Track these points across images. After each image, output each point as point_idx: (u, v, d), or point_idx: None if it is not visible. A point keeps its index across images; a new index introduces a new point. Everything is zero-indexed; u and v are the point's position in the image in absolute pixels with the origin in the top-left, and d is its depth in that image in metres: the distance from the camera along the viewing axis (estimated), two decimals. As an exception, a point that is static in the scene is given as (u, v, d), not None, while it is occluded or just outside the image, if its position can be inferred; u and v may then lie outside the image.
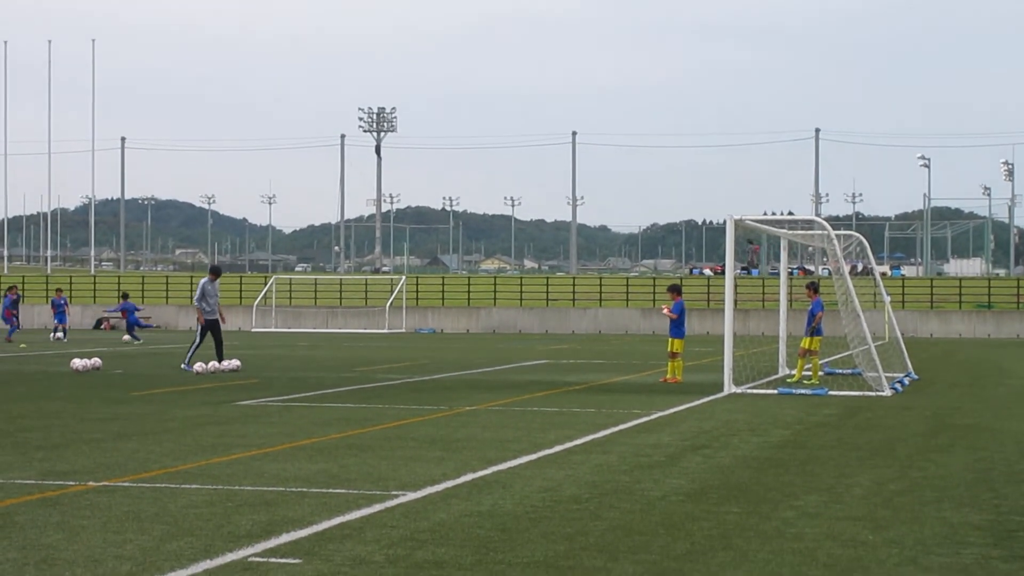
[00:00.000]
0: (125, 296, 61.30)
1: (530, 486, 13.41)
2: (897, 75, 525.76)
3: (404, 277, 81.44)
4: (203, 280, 33.61)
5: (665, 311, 29.84)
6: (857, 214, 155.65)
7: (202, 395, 25.06)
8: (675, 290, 30.33)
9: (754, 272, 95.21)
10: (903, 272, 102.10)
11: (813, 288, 30.41)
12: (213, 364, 31.83)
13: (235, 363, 32.62)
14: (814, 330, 29.75)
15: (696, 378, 30.82)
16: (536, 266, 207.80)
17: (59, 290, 59.50)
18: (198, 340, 33.11)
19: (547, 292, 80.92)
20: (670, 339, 29.61)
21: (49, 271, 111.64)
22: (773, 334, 41.69)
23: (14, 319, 54.86)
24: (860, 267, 42.88)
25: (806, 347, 29.92)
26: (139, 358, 39.47)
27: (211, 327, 33.09)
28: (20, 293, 64.42)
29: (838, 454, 16.46)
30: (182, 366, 32.56)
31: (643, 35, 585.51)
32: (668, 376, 29.38)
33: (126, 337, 54.57)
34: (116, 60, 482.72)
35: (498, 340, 59.91)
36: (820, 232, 31.25)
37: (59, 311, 56.00)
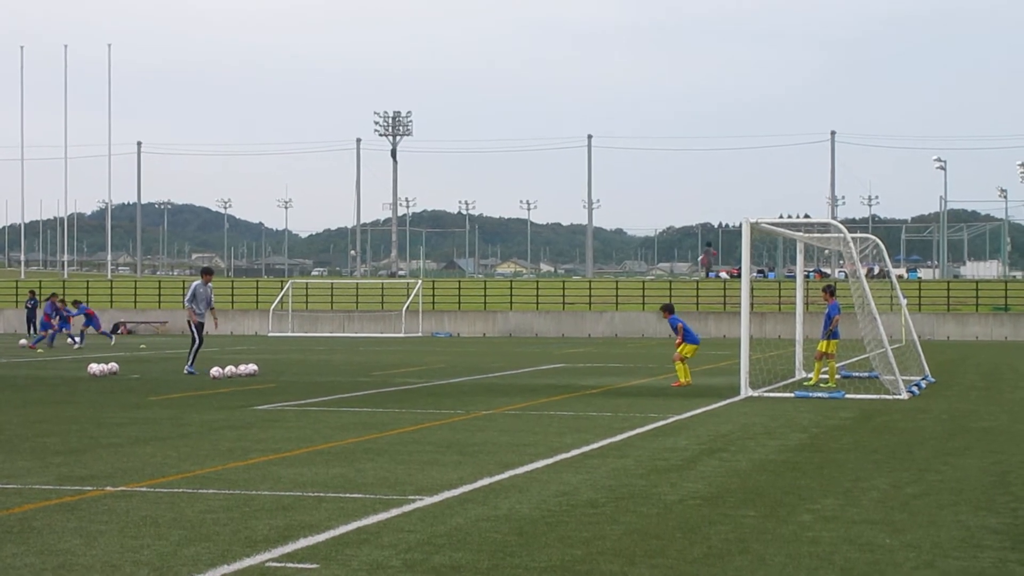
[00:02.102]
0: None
1: (547, 490, 13.42)
2: (913, 78, 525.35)
3: (420, 281, 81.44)
4: (195, 283, 33.67)
5: (677, 352, 29.90)
6: (873, 217, 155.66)
7: (219, 400, 25.10)
8: (666, 309, 30.73)
9: (711, 275, 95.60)
10: (919, 275, 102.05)
11: (829, 291, 30.39)
12: (230, 368, 31.89)
13: (252, 367, 32.69)
14: (831, 333, 29.73)
15: (713, 381, 30.81)
16: (552, 269, 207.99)
17: (53, 294, 59.10)
18: (197, 341, 33.12)
19: (563, 295, 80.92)
20: (684, 344, 29.69)
21: (66, 276, 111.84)
22: (789, 337, 41.63)
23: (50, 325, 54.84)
24: (876, 270, 42.86)
25: (823, 350, 29.90)
26: (156, 363, 39.54)
27: (198, 328, 33.08)
28: (37, 299, 64.55)
29: (855, 457, 16.45)
30: (185, 370, 32.71)
31: (659, 38, 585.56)
32: (682, 380, 29.39)
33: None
34: (132, 65, 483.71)
35: (514, 344, 59.92)
36: (836, 235, 31.22)
37: (61, 316, 55.72)
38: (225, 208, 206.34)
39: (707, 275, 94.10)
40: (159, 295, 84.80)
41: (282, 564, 9.83)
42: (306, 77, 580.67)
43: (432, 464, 15.42)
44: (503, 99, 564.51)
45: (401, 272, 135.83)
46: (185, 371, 32.74)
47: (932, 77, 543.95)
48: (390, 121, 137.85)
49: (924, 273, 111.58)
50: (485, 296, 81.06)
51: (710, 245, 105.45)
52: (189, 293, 33.44)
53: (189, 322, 33.42)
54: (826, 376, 30.02)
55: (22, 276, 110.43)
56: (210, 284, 33.88)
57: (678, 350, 29.76)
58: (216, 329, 33.47)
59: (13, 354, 46.16)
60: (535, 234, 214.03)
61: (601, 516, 11.91)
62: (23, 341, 55.07)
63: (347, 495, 13.06)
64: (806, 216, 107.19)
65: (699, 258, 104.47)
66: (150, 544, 10.54)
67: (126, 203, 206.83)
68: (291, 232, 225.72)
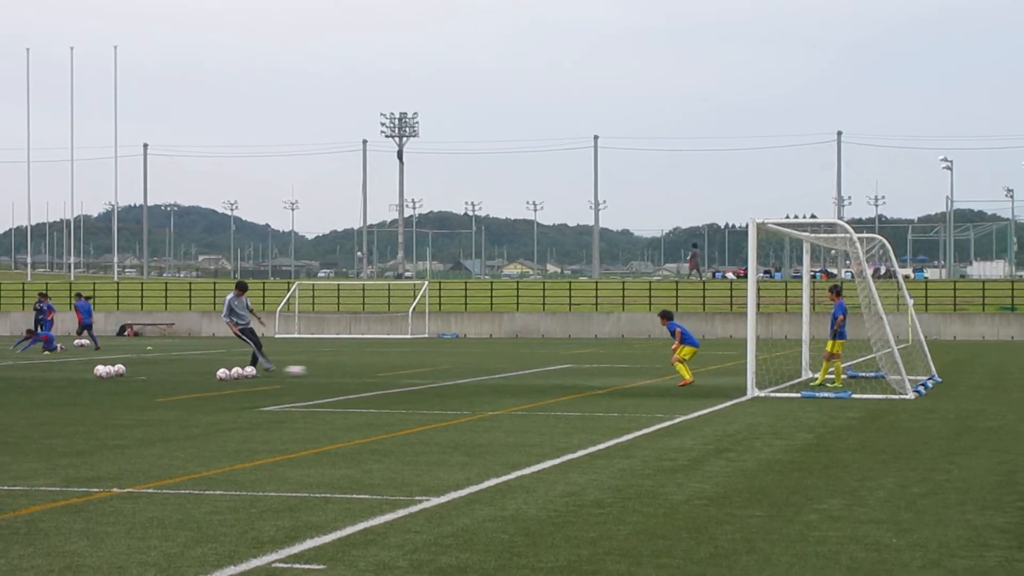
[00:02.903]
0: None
1: (553, 491, 13.42)
2: (919, 77, 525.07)
3: (427, 282, 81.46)
4: (228, 296, 34.31)
5: (675, 356, 29.92)
6: (880, 217, 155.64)
7: (225, 401, 25.12)
8: (664, 315, 30.81)
9: (717, 275, 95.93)
10: (926, 274, 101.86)
11: (836, 291, 30.37)
12: (237, 369, 31.93)
13: (251, 370, 32.62)
14: (836, 333, 29.71)
15: (719, 382, 30.81)
16: (559, 270, 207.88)
17: (45, 295, 58.50)
18: (253, 344, 33.80)
19: (570, 296, 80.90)
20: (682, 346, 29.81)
21: (72, 278, 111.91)
22: (796, 337, 41.63)
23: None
24: (883, 270, 42.79)
25: (830, 350, 29.88)
26: (162, 365, 39.57)
27: (247, 334, 33.75)
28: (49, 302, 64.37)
29: (861, 457, 16.44)
30: (264, 367, 33.42)
31: (665, 39, 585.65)
32: (687, 378, 29.48)
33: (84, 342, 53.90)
34: (139, 67, 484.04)
35: (521, 344, 59.91)
36: (843, 235, 31.18)
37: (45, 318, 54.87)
38: (232, 210, 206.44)
39: (697, 276, 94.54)
40: (166, 297, 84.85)
41: (289, 565, 9.84)
42: (312, 78, 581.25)
43: (439, 465, 15.43)
44: (509, 100, 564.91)
45: (407, 273, 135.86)
46: (266, 368, 33.50)
47: (938, 77, 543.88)
48: (396, 122, 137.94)
49: (931, 273, 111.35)
50: (491, 297, 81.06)
51: (696, 246, 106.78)
52: (225, 308, 34.37)
53: (236, 335, 34.28)
54: (832, 376, 30.00)
55: (28, 278, 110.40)
56: (244, 296, 34.50)
57: (676, 353, 29.77)
58: (263, 327, 34.13)
59: (21, 356, 46.20)
60: (541, 235, 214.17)
61: (608, 516, 11.92)
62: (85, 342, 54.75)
63: (354, 496, 13.07)
64: (812, 216, 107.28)
65: (686, 260, 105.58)
66: (157, 545, 10.55)
67: (132, 205, 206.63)
68: (297, 234, 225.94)
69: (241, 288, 34.97)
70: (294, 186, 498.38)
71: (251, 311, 34.53)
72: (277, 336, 70.62)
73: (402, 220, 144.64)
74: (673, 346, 29.98)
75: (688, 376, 29.42)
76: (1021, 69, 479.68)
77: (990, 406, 24.63)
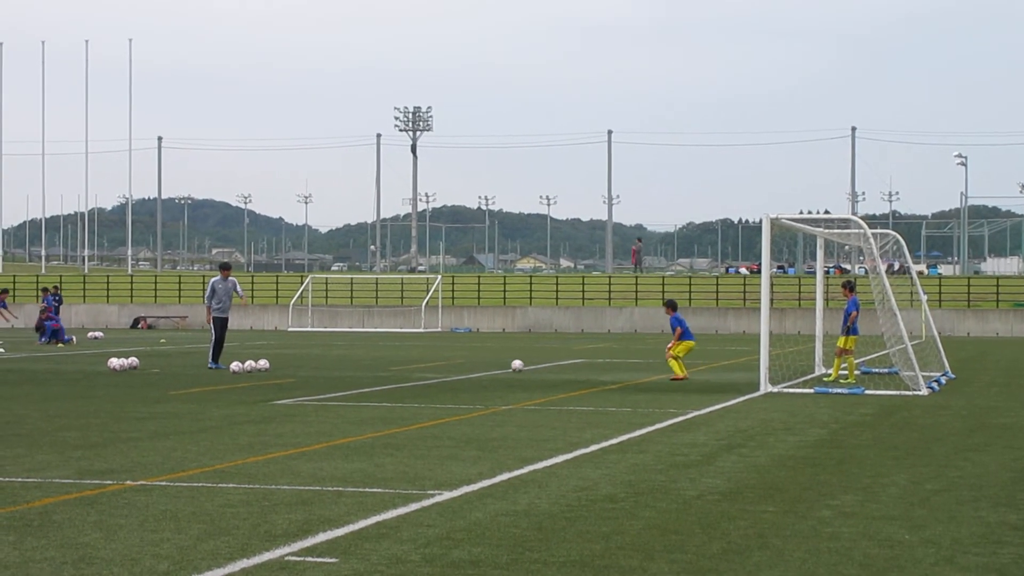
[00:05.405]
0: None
1: (566, 485, 13.42)
2: (934, 73, 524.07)
3: (440, 276, 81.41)
4: (214, 279, 33.98)
5: (670, 352, 30.12)
6: (894, 212, 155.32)
7: (238, 394, 25.13)
8: (670, 306, 31.20)
9: (733, 271, 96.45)
10: (940, 271, 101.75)
11: (849, 287, 30.33)
12: (250, 363, 31.90)
13: (264, 363, 32.57)
14: (849, 329, 29.66)
15: (732, 377, 30.78)
16: (572, 265, 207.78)
17: (45, 289, 57.85)
18: (216, 338, 33.36)
19: (583, 291, 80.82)
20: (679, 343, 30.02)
21: (86, 271, 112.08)
22: (809, 333, 41.56)
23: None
24: (897, 266, 42.73)
25: (842, 346, 29.85)
26: (175, 358, 39.60)
27: (217, 326, 33.35)
28: (60, 295, 64.44)
29: (874, 453, 16.42)
30: (209, 366, 32.87)
31: (678, 33, 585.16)
32: (680, 374, 29.68)
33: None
34: (153, 60, 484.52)
35: (534, 339, 59.89)
36: (856, 231, 31.14)
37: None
38: (245, 203, 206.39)
39: (636, 268, 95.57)
40: (179, 290, 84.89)
41: (301, 558, 9.84)
42: (326, 73, 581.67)
43: (451, 459, 15.44)
44: (523, 95, 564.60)
45: (421, 267, 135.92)
46: (209, 366, 32.91)
47: (953, 72, 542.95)
48: (410, 116, 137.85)
49: (944, 269, 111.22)
50: (504, 292, 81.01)
51: (640, 239, 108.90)
52: (208, 290, 33.79)
53: (208, 320, 33.76)
54: (845, 372, 29.97)
55: (43, 271, 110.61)
56: (231, 278, 34.08)
57: (672, 349, 29.93)
58: (245, 303, 33.67)
59: (34, 349, 46.27)
60: (555, 230, 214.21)
61: (620, 511, 11.91)
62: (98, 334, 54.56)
63: (366, 489, 13.08)
64: (826, 212, 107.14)
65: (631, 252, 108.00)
66: (170, 538, 10.56)
67: (146, 198, 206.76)
68: (311, 227, 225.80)
69: (225, 269, 34.71)
70: (308, 180, 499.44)
71: (238, 294, 34.01)
72: (290, 329, 70.69)
73: (415, 214, 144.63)
74: (669, 344, 30.19)
75: (681, 372, 29.58)
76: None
77: (1004, 403, 24.59)
